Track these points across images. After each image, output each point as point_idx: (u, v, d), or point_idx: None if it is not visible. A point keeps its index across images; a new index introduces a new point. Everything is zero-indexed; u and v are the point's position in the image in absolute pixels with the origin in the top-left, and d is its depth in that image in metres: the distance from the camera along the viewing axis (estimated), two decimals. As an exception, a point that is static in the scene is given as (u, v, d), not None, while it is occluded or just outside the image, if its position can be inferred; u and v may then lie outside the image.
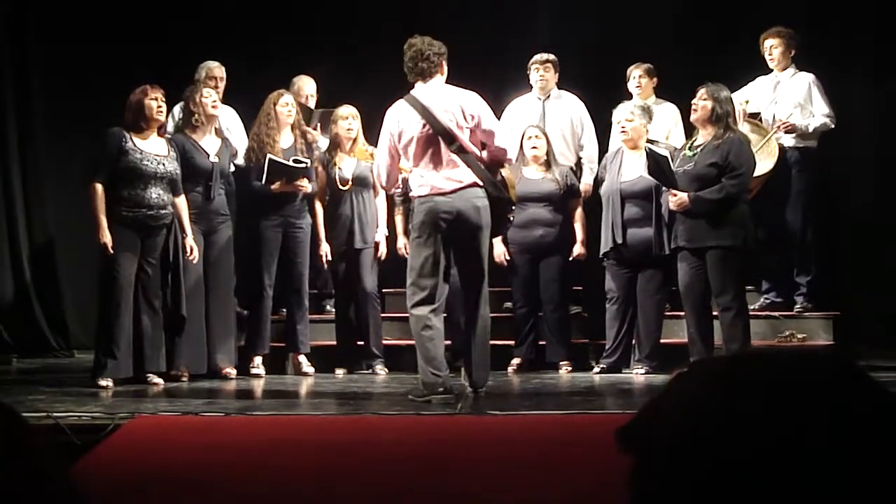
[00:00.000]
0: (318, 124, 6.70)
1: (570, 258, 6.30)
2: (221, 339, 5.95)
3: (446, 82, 4.95)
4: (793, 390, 0.77)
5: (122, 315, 5.43)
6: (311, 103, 6.85)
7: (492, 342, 5.08)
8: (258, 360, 6.12)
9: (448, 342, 5.10)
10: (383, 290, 6.55)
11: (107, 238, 5.38)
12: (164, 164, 5.55)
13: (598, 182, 6.32)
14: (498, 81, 6.80)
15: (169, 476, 3.34)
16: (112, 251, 5.38)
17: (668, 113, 6.64)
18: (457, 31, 6.19)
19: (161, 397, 5.14)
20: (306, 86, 6.90)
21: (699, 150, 5.63)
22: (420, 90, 4.89)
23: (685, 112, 6.08)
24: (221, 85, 6.60)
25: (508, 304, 6.54)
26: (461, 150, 4.80)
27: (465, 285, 4.99)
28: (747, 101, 6.40)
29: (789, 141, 6.40)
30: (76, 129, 7.32)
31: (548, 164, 6.36)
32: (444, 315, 5.06)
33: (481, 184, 4.83)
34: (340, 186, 6.27)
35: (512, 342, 6.31)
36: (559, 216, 6.32)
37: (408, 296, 4.87)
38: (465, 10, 7.71)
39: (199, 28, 7.77)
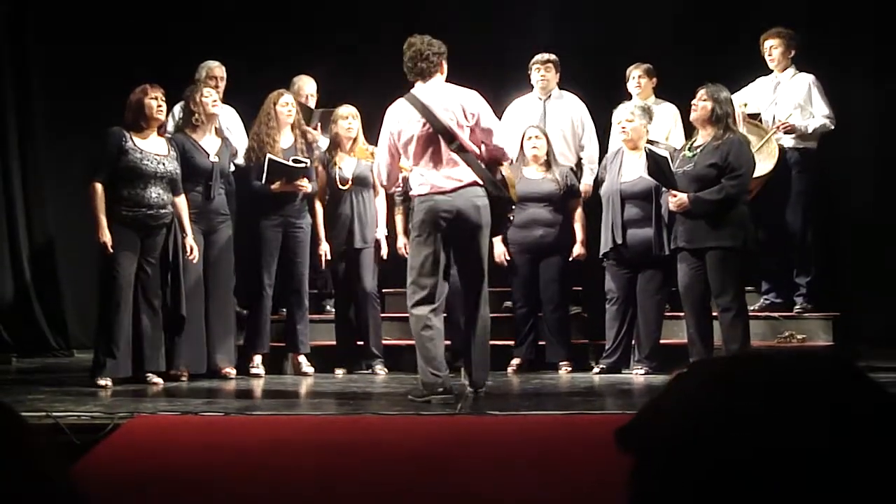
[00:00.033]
0: (319, 124, 6.71)
1: (570, 258, 6.30)
2: (221, 338, 5.95)
3: (446, 81, 4.95)
4: (793, 390, 0.77)
5: (122, 314, 5.43)
6: (312, 103, 6.86)
7: (492, 342, 5.08)
8: (258, 359, 6.12)
9: (448, 342, 5.10)
10: (383, 290, 6.55)
11: (106, 237, 5.38)
12: (164, 164, 5.55)
13: (598, 182, 6.32)
14: (498, 81, 6.80)
15: (168, 476, 3.34)
16: (112, 250, 5.38)
17: (667, 113, 6.64)
18: (457, 31, 6.19)
19: (160, 397, 5.14)
20: (306, 85, 6.91)
21: (699, 150, 5.63)
22: (420, 89, 4.89)
23: (685, 112, 6.08)
24: (222, 84, 6.60)
25: (508, 304, 6.54)
26: (461, 149, 4.79)
27: (465, 285, 4.99)
28: (745, 104, 6.40)
29: (789, 142, 6.40)
30: (76, 129, 7.32)
31: (548, 164, 6.36)
32: (444, 315, 5.06)
33: (481, 183, 4.83)
34: (340, 186, 6.27)
35: (512, 342, 6.31)
36: (559, 216, 6.32)
37: (408, 295, 4.87)
38: (465, 10, 7.71)
39: (199, 28, 7.77)
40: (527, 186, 6.15)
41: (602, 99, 6.79)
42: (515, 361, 6.30)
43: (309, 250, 6.23)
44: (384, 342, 6.39)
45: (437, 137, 4.79)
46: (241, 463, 3.50)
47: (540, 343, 6.35)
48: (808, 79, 6.46)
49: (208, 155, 5.92)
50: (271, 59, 7.54)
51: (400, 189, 5.79)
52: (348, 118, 6.30)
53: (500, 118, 5.50)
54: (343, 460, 3.52)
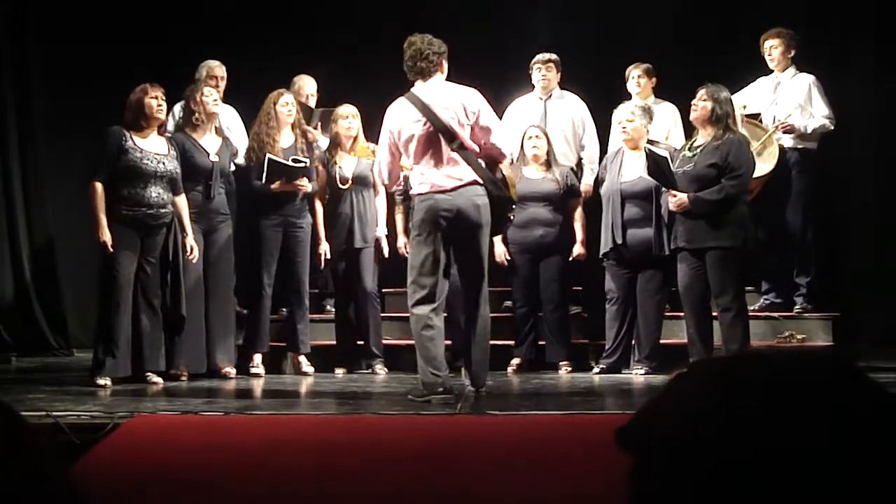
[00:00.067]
0: (319, 123, 6.71)
1: (570, 258, 6.30)
2: (221, 338, 5.95)
3: (446, 80, 4.95)
4: (793, 390, 0.77)
5: (122, 314, 5.43)
6: (312, 103, 6.86)
7: (492, 342, 5.07)
8: (258, 358, 6.12)
9: (448, 342, 5.10)
10: (383, 290, 6.55)
11: (106, 237, 5.38)
12: (164, 163, 5.55)
13: (598, 182, 6.33)
14: (498, 81, 6.80)
15: (168, 475, 3.34)
16: (112, 250, 5.38)
17: (667, 113, 6.64)
18: (457, 31, 6.19)
19: (160, 396, 5.14)
20: (307, 85, 6.91)
21: (699, 150, 5.63)
22: (420, 88, 4.89)
23: (685, 112, 6.08)
24: (222, 84, 6.61)
25: (508, 304, 6.54)
26: (462, 148, 4.79)
27: (465, 284, 4.99)
28: (745, 107, 6.40)
29: (789, 142, 6.40)
30: (76, 129, 7.32)
31: (548, 163, 6.36)
32: (445, 315, 5.06)
33: (482, 182, 4.83)
34: (340, 185, 6.27)
35: (512, 342, 6.31)
36: (559, 216, 6.32)
37: (408, 294, 4.87)
38: (465, 10, 7.71)
39: (199, 28, 7.77)
40: (527, 186, 6.15)
41: (602, 99, 6.79)
42: (515, 361, 6.30)
43: (309, 250, 6.23)
44: (384, 342, 6.39)
45: (437, 136, 4.79)
46: (241, 463, 3.49)
47: (540, 343, 6.35)
48: (808, 79, 6.46)
49: (208, 154, 5.92)
50: (271, 59, 7.54)
51: (400, 188, 5.79)
52: (348, 118, 6.30)
53: (500, 118, 5.50)
54: (343, 460, 3.52)
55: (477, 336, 4.93)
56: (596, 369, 6.05)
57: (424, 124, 4.80)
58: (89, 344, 6.31)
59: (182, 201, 5.69)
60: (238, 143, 6.38)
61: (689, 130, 6.09)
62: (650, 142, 6.02)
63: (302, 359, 6.26)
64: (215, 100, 6.04)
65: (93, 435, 3.84)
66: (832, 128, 6.42)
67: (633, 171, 6.01)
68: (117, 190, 5.48)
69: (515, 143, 6.36)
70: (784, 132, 6.35)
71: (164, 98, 5.62)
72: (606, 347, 6.08)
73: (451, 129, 4.78)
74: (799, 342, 6.28)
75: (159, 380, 5.54)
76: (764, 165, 6.10)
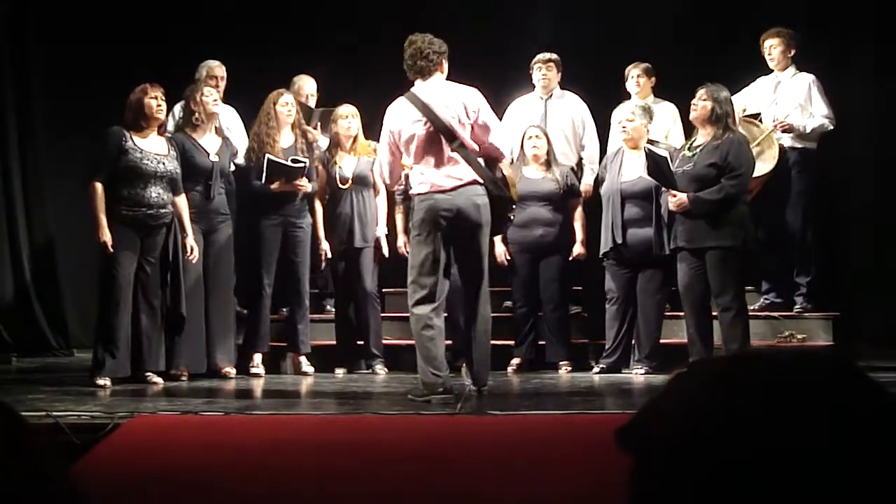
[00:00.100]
0: (319, 123, 6.71)
1: (570, 258, 6.30)
2: (221, 338, 5.95)
3: (446, 80, 4.95)
4: (793, 390, 0.77)
5: (122, 314, 5.43)
6: (312, 103, 6.86)
7: (492, 342, 5.07)
8: (258, 358, 6.12)
9: (449, 342, 5.10)
10: (383, 290, 6.55)
11: (106, 237, 5.38)
12: (164, 164, 5.55)
13: (598, 182, 6.33)
14: (498, 81, 6.80)
15: (168, 475, 3.34)
16: (112, 250, 5.38)
17: (666, 112, 6.64)
18: (457, 31, 6.19)
19: (160, 396, 5.14)
20: (306, 85, 6.91)
21: (698, 150, 5.63)
22: (420, 87, 4.88)
23: (685, 112, 6.08)
24: (222, 84, 6.61)
25: (508, 304, 6.54)
26: (462, 148, 4.79)
27: (465, 283, 4.99)
28: (744, 109, 6.40)
29: (789, 142, 6.40)
30: (76, 129, 7.32)
31: (548, 163, 6.36)
32: (445, 314, 5.06)
33: (482, 181, 4.83)
34: (340, 185, 6.27)
35: (512, 342, 6.31)
36: (559, 216, 6.32)
37: (409, 294, 4.87)
38: (465, 10, 7.71)
39: (199, 28, 7.77)
40: (527, 186, 6.15)
41: (602, 99, 6.79)
42: (515, 361, 6.30)
43: (309, 250, 6.23)
44: (384, 342, 6.40)
45: (437, 136, 4.79)
46: (241, 463, 3.49)
47: (540, 343, 6.35)
48: (808, 79, 6.46)
49: (208, 154, 5.92)
50: (271, 59, 7.54)
51: (401, 188, 5.79)
52: (348, 117, 6.31)
53: (500, 118, 5.50)
54: (343, 460, 3.52)
55: (478, 336, 4.93)
56: (596, 369, 6.05)
57: (425, 124, 4.80)
58: (89, 344, 6.30)
59: (182, 201, 5.69)
60: (238, 143, 6.38)
61: (689, 130, 6.09)
62: (650, 141, 6.02)
63: (302, 359, 6.26)
64: (215, 100, 6.04)
65: (93, 435, 3.84)
66: (832, 127, 6.42)
67: (633, 170, 6.01)
68: (117, 190, 5.48)
69: (515, 142, 6.37)
70: (783, 131, 6.35)
71: (163, 98, 5.62)
72: (606, 347, 6.08)
73: (451, 128, 4.78)
74: (799, 342, 6.28)
75: (159, 380, 5.54)
76: (764, 165, 6.10)
